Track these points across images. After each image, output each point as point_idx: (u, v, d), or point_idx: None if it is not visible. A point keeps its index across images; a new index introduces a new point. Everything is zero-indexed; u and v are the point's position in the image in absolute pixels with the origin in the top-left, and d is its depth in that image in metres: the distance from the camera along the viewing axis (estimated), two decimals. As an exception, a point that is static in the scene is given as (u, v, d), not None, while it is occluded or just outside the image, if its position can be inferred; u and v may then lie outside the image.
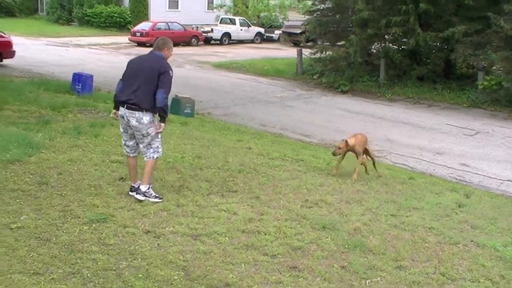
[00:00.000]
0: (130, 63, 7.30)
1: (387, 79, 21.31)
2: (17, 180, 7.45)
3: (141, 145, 7.09)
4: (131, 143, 7.21)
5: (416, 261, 6.01)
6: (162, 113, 6.94)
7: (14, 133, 9.81)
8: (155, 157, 7.12)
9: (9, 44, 22.22)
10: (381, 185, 8.92)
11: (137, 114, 6.86)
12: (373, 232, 6.71)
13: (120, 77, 7.23)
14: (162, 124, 7.01)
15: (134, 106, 6.86)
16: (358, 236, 6.53)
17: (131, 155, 7.28)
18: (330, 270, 5.64)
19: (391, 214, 7.40)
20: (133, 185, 7.30)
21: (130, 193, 7.27)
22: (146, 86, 6.86)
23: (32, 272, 5.07)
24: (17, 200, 6.77)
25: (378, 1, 20.67)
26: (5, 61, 22.04)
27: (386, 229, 6.86)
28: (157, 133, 7.02)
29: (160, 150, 7.17)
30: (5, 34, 22.95)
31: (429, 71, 21.48)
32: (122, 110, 7.00)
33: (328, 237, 6.43)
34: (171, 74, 6.96)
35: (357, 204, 7.75)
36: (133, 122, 6.90)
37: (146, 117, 6.89)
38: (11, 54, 22.22)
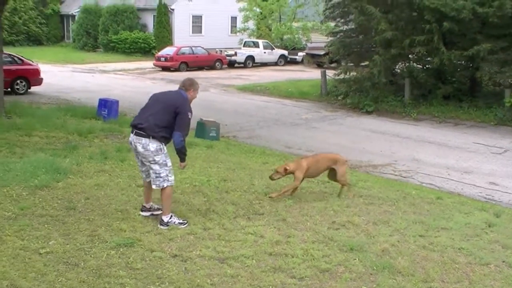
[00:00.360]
0: (153, 95, 7.40)
1: (412, 99, 21.20)
2: (45, 206, 7.55)
3: (150, 172, 7.07)
4: (143, 168, 7.27)
5: (446, 283, 5.91)
6: (181, 154, 7.10)
7: (42, 159, 9.95)
8: (165, 185, 7.04)
9: (36, 72, 22.64)
10: (409, 205, 8.82)
11: (143, 140, 6.89)
12: (402, 253, 6.63)
13: (144, 102, 7.31)
14: (183, 164, 7.20)
15: (142, 132, 6.89)
16: (386, 258, 6.46)
17: (146, 179, 7.34)
18: (358, 292, 5.59)
19: (420, 235, 7.31)
20: (144, 204, 7.42)
21: (141, 213, 7.37)
22: (159, 115, 6.92)
23: (61, 297, 5.11)
24: (46, 225, 6.85)
25: (401, 21, 20.65)
26: (33, 88, 22.45)
27: (414, 250, 6.77)
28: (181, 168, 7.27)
29: (170, 179, 7.07)
30: (33, 62, 23.39)
31: (455, 90, 21.33)
32: (131, 136, 7.06)
33: (356, 259, 6.37)
34: (189, 117, 7.05)
35: (385, 225, 7.67)
36: (139, 148, 6.93)
37: (152, 144, 6.89)
38: (39, 81, 22.63)
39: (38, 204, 7.58)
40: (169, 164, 7.07)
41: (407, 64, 23.25)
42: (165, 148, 7.04)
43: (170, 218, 7.10)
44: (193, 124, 14.78)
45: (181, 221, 7.16)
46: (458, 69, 21.83)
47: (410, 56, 22.40)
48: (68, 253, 6.08)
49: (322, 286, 5.66)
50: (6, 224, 6.76)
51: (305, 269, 6.02)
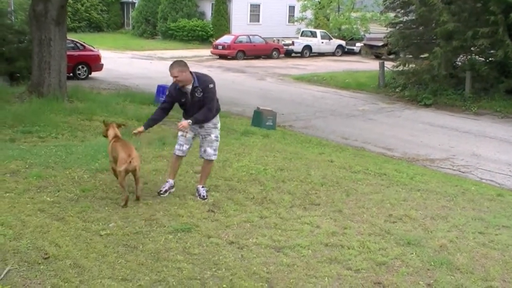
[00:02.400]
0: None
1: (473, 92, 20.70)
2: (106, 189, 7.72)
3: (209, 147, 7.70)
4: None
5: (508, 282, 5.77)
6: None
7: (102, 143, 10.15)
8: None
9: (97, 58, 23.14)
10: (468, 201, 8.65)
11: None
12: (460, 249, 6.51)
13: None
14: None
15: None
16: (444, 253, 6.36)
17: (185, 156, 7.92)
18: (415, 287, 5.52)
19: (479, 232, 7.15)
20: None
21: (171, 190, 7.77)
22: None
23: (120, 278, 5.22)
24: (106, 208, 7.00)
25: (464, 13, 20.16)
26: (94, 74, 22.95)
27: (474, 247, 6.64)
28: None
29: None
30: (94, 48, 23.89)
31: (518, 84, 20.72)
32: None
33: (413, 253, 6.29)
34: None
35: (443, 221, 7.54)
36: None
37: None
38: (99, 67, 23.12)
39: (99, 187, 7.75)
40: (178, 133, 7.69)
41: (468, 56, 22.68)
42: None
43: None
44: (249, 112, 14.94)
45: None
46: (524, 63, 21.19)
47: (472, 48, 21.80)
48: (127, 236, 6.21)
49: (378, 279, 5.62)
50: (69, 205, 6.95)
51: (361, 261, 5.99)
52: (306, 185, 8.59)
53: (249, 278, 5.40)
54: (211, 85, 7.30)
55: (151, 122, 7.61)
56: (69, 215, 6.63)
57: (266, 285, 5.31)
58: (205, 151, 7.64)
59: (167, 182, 7.75)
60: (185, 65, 7.33)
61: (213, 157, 7.70)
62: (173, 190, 7.75)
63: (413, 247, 6.47)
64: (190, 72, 7.30)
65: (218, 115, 7.67)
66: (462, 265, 6.05)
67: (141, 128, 7.45)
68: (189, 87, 7.28)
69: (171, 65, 7.33)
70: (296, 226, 6.85)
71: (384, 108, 19.73)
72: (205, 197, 7.57)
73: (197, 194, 7.65)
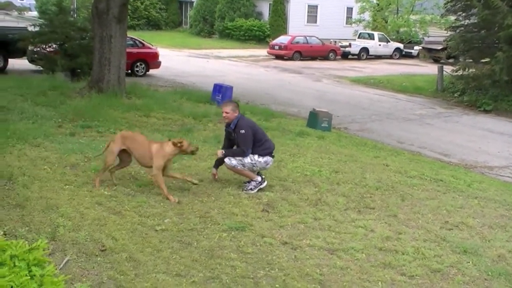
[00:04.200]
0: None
1: (536, 99, 20.12)
2: (161, 185, 7.82)
3: None
4: None
5: None
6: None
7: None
8: None
9: (155, 55, 23.47)
10: (528, 211, 8.41)
11: None
12: (520, 260, 6.35)
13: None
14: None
15: None
16: (502, 264, 6.21)
17: None
18: (471, 297, 5.41)
19: (540, 243, 6.96)
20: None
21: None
22: None
23: (174, 273, 5.30)
24: (161, 204, 7.11)
25: (530, 16, 19.59)
26: (151, 71, 23.28)
27: (534, 259, 6.46)
28: None
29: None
30: (152, 45, 24.25)
31: None
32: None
33: (469, 262, 6.17)
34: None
35: (501, 230, 7.36)
36: None
37: None
38: (157, 65, 23.44)
39: (154, 183, 7.87)
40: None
41: (533, 62, 22.02)
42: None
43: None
44: (305, 113, 14.90)
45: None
46: None
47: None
48: (182, 232, 6.29)
49: (433, 287, 5.54)
50: (126, 200, 7.09)
51: (415, 267, 5.91)
52: (360, 188, 8.52)
53: (302, 279, 5.40)
54: (242, 131, 7.89)
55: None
56: (126, 209, 6.76)
57: (319, 286, 5.31)
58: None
59: (250, 182, 8.04)
60: (237, 106, 8.12)
61: (227, 161, 7.98)
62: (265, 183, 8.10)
63: (469, 255, 6.34)
64: (239, 114, 8.10)
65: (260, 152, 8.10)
66: (522, 277, 5.90)
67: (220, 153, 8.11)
68: (231, 126, 8.03)
69: (226, 102, 8.33)
70: (350, 229, 6.80)
71: (441, 113, 19.37)
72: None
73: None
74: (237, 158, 7.89)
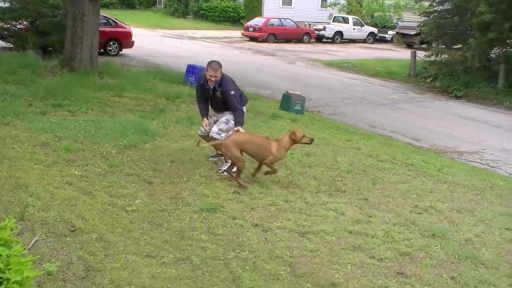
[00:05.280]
0: None
1: (506, 86, 20.34)
2: (133, 165, 7.78)
3: None
4: None
5: (534, 280, 5.71)
6: None
7: (131, 119, 10.27)
8: None
9: (129, 35, 23.19)
10: (495, 196, 8.54)
11: None
12: (486, 244, 6.46)
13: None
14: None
15: None
16: (469, 247, 6.31)
17: None
18: (438, 279, 5.49)
19: (506, 228, 7.07)
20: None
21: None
22: None
23: (145, 254, 5.28)
24: (133, 184, 7.07)
25: (502, 4, 19.69)
26: (124, 51, 23.01)
27: (500, 242, 6.58)
28: None
29: None
30: (125, 25, 23.95)
31: (555, 79, 20.29)
32: None
33: (437, 246, 6.26)
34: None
35: (469, 214, 7.47)
36: None
37: None
38: (130, 44, 23.18)
39: (126, 163, 7.82)
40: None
41: (504, 49, 22.26)
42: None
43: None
44: (278, 96, 14.88)
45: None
46: (561, 58, 20.75)
47: (508, 41, 21.40)
48: (152, 213, 6.26)
49: (402, 270, 5.60)
50: (96, 180, 7.03)
51: (385, 250, 5.97)
52: (332, 172, 8.56)
53: (272, 261, 5.42)
54: (232, 92, 7.89)
55: (205, 112, 8.28)
56: (96, 190, 6.71)
57: (288, 269, 5.33)
58: (210, 129, 8.12)
59: (226, 162, 7.93)
60: (221, 66, 7.98)
61: (215, 135, 7.97)
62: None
63: (438, 239, 6.43)
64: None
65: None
66: (488, 260, 6.01)
67: (205, 121, 8.19)
68: (212, 85, 7.91)
69: (217, 64, 7.89)
70: (321, 212, 6.84)
71: (414, 98, 19.52)
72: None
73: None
74: (220, 126, 8.01)
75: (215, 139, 7.89)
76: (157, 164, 7.92)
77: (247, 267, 5.25)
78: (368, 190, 7.92)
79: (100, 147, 8.36)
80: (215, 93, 7.95)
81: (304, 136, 7.63)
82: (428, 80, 22.66)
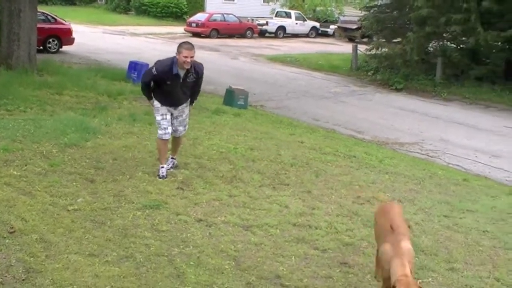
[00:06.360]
0: None
1: (444, 78, 20.89)
2: (74, 164, 7.65)
3: None
4: None
5: (470, 264, 5.90)
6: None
7: (72, 118, 10.08)
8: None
9: (68, 31, 22.71)
10: (435, 185, 8.78)
11: None
12: (425, 232, 6.64)
13: None
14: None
15: None
16: (410, 235, 6.45)
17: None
18: (380, 268, 5.60)
19: (444, 215, 7.29)
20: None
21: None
22: None
23: (87, 253, 5.21)
24: (74, 183, 6.95)
25: (438, -1, 20.25)
26: (65, 48, 22.52)
27: (438, 229, 6.77)
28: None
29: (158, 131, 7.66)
30: (65, 21, 23.46)
31: (489, 71, 20.87)
32: None
33: (379, 235, 6.38)
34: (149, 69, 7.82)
35: (410, 203, 7.66)
36: None
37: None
38: (71, 41, 22.71)
39: (67, 162, 7.68)
40: (157, 117, 7.61)
41: (441, 42, 22.82)
42: (155, 103, 7.59)
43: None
44: (221, 91, 14.87)
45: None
46: (494, 51, 21.37)
47: (444, 34, 21.94)
48: (95, 212, 6.18)
49: (345, 260, 5.69)
50: (37, 180, 6.88)
51: (328, 241, 6.06)
52: (276, 165, 8.62)
53: (217, 256, 5.43)
54: (204, 72, 7.58)
55: (149, 95, 7.72)
56: (36, 190, 6.57)
57: (233, 262, 5.35)
58: (176, 130, 7.75)
59: (162, 167, 7.59)
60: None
61: (184, 132, 7.94)
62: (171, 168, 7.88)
63: (379, 228, 6.54)
64: None
65: None
66: (427, 247, 6.17)
67: (151, 103, 7.73)
68: (183, 70, 7.27)
69: (189, 44, 7.28)
70: (265, 205, 6.89)
71: (356, 91, 19.83)
72: (164, 176, 7.50)
73: (170, 166, 7.86)
74: (185, 123, 7.87)
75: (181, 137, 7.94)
76: (99, 162, 7.81)
77: (191, 263, 5.24)
78: (312, 182, 8.01)
79: (40, 146, 8.18)
80: (187, 78, 7.34)
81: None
82: (369, 74, 23.02)
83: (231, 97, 13.97)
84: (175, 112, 7.64)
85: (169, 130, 7.58)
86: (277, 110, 14.98)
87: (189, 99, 7.75)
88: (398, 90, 20.44)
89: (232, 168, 8.18)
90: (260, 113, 14.05)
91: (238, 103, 13.85)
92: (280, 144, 10.08)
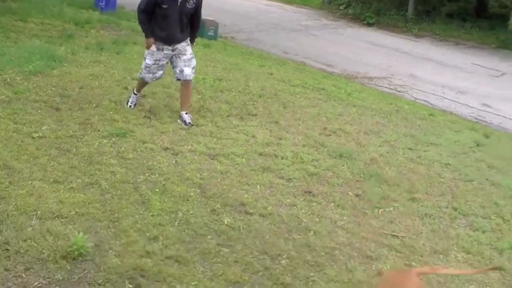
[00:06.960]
0: None
1: (415, 14, 20.79)
2: (39, 92, 7.53)
3: None
4: None
5: (430, 195, 6.05)
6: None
7: (37, 45, 9.86)
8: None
9: (34, -44, 21.91)
10: (401, 119, 8.87)
11: None
12: (390, 163, 6.74)
13: None
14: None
15: None
16: (374, 167, 6.57)
17: None
18: (344, 197, 5.71)
19: (409, 148, 7.41)
20: None
21: None
22: None
23: (52, 180, 5.19)
24: (39, 111, 6.85)
25: None
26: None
27: (402, 161, 6.89)
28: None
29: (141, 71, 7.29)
30: None
31: (460, 8, 20.83)
32: None
33: (344, 165, 6.48)
34: None
35: (376, 136, 7.75)
36: None
37: None
38: (36, -34, 21.94)
39: (32, 90, 7.54)
40: (147, 61, 7.13)
41: (414, -23, 22.65)
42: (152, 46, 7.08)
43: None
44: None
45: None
46: (466, -13, 21.34)
47: (418, -31, 21.78)
48: (60, 139, 6.12)
49: (309, 189, 5.77)
50: (0, 107, 6.76)
51: (293, 171, 6.13)
52: (244, 96, 8.61)
53: (182, 183, 5.46)
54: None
55: (148, 28, 6.97)
56: (0, 117, 6.45)
57: (198, 190, 5.39)
58: (182, 71, 7.08)
59: (135, 95, 7.40)
60: None
61: (192, 76, 7.21)
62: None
63: (344, 159, 6.65)
64: None
65: None
66: (390, 178, 6.29)
67: (151, 41, 7.00)
68: None
69: None
70: (232, 135, 6.91)
71: (327, 25, 19.66)
72: (191, 123, 7.02)
73: (181, 121, 7.07)
74: (192, 65, 7.20)
75: (190, 81, 7.20)
76: (65, 90, 7.69)
77: (156, 190, 5.26)
78: (279, 113, 8.03)
79: (4, 74, 8.01)
80: (186, 2, 6.81)
81: None
82: (341, 8, 22.78)
83: (201, 28, 13.73)
84: (175, 52, 7.04)
85: (158, 75, 7.21)
86: (247, 42, 14.82)
87: (189, 37, 7.14)
88: (369, 25, 20.32)
89: (200, 98, 8.14)
90: (230, 44, 13.89)
91: (208, 34, 13.65)
92: (249, 75, 10.03)
